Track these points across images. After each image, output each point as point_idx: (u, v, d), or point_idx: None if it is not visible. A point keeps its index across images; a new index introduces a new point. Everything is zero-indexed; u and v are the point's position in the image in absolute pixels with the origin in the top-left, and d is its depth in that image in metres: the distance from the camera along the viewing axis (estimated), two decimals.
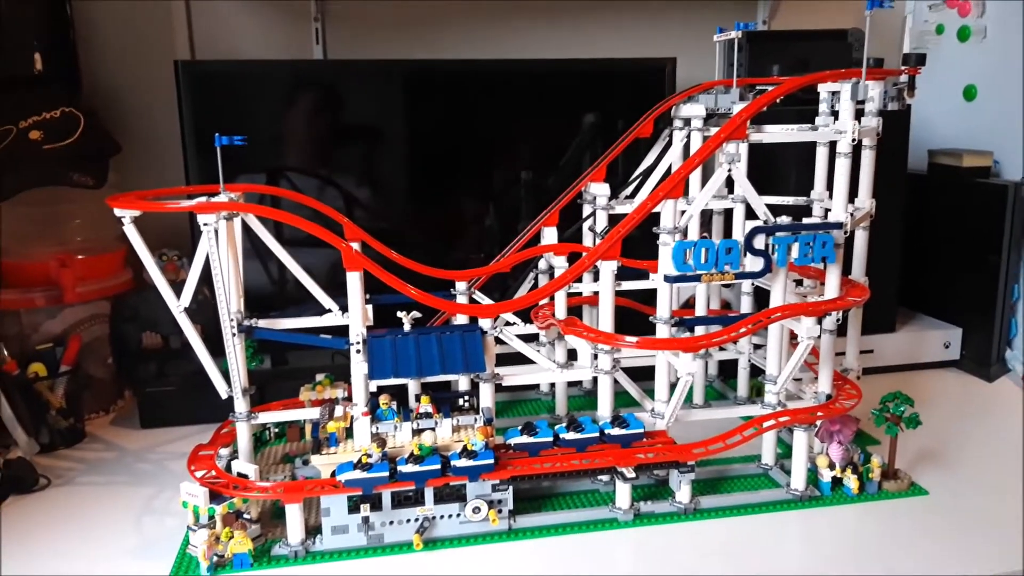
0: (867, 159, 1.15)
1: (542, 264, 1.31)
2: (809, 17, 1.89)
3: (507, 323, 1.23)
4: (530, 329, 1.24)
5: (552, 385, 1.44)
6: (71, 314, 1.41)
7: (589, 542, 1.03)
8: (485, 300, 1.22)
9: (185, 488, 0.99)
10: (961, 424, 1.37)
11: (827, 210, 1.14)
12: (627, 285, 1.26)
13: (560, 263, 1.22)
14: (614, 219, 1.23)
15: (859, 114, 1.09)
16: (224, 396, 1.06)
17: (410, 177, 1.52)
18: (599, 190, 1.24)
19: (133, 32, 1.59)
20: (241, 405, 1.07)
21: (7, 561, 1.00)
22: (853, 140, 1.05)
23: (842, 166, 1.07)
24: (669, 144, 1.27)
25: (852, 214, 1.08)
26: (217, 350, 1.06)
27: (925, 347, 1.63)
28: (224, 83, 1.40)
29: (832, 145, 1.12)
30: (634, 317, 1.28)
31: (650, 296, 1.08)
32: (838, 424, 1.13)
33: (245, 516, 1.01)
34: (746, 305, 1.32)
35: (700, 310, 1.36)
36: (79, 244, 1.44)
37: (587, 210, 1.29)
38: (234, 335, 1.03)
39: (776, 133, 1.08)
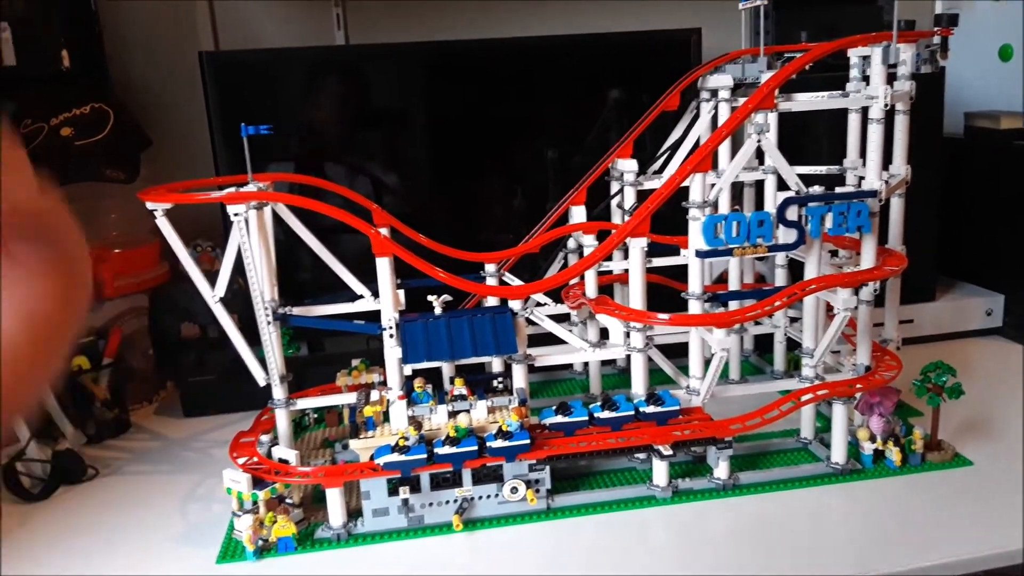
0: (901, 124, 1.13)
1: (571, 243, 1.30)
2: None
3: (538, 304, 1.23)
4: (561, 309, 1.24)
5: (585, 365, 1.43)
6: (111, 308, 1.44)
7: (627, 520, 1.03)
8: (515, 281, 1.22)
9: (228, 475, 1.01)
10: (1005, 393, 1.34)
11: (860, 178, 1.11)
12: (657, 262, 1.25)
13: (589, 242, 1.22)
14: (642, 195, 1.22)
15: (891, 78, 1.07)
16: (262, 383, 1.08)
17: (436, 160, 1.52)
18: (627, 166, 1.23)
19: (158, 25, 1.61)
20: (279, 392, 1.08)
21: (61, 551, 1.03)
22: (886, 105, 1.03)
23: (875, 132, 1.04)
24: (696, 117, 1.25)
25: (887, 181, 1.06)
26: (254, 339, 1.07)
27: (966, 315, 1.59)
28: (248, 72, 1.41)
29: (864, 112, 1.10)
30: (666, 293, 1.27)
31: (681, 272, 1.07)
32: (878, 396, 1.11)
33: (288, 501, 1.03)
34: (781, 278, 1.30)
35: (733, 284, 1.35)
36: (115, 239, 1.47)
37: (615, 187, 1.28)
38: (269, 323, 1.05)
39: (806, 101, 1.06)
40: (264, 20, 1.65)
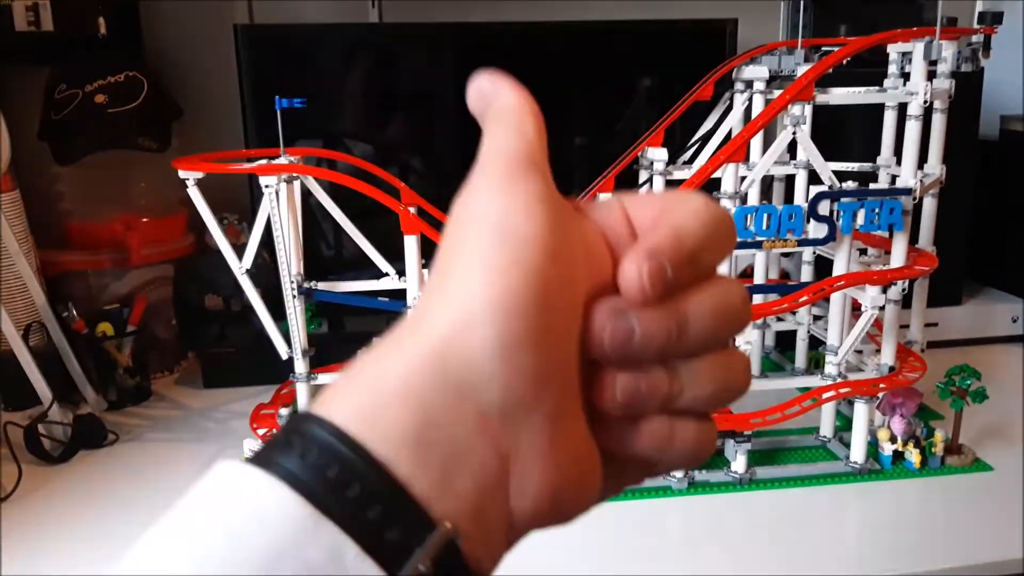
0: (938, 123, 1.11)
1: None
2: None
3: None
4: None
5: None
6: (136, 276, 1.45)
7: (642, 510, 1.03)
8: None
9: (248, 445, 1.02)
10: None
11: (894, 176, 1.10)
12: None
13: None
14: (672, 185, 1.21)
15: (930, 76, 1.05)
16: (284, 357, 1.09)
17: (463, 142, 1.51)
18: (657, 155, 1.22)
19: None
20: (301, 366, 1.09)
21: (79, 512, 1.04)
22: (925, 102, 1.02)
23: (912, 129, 1.03)
24: (729, 108, 1.24)
25: (921, 180, 1.04)
26: (276, 313, 1.08)
27: (992, 321, 1.57)
28: (282, 47, 1.41)
29: (901, 109, 1.08)
30: None
31: None
32: (901, 397, 1.10)
33: None
34: (806, 274, 1.29)
35: (759, 279, 1.34)
36: (143, 207, 1.48)
37: (643, 176, 1.27)
38: (295, 297, 1.05)
39: (843, 95, 1.05)
40: None
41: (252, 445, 1.02)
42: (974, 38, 1.10)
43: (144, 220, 1.45)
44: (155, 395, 1.41)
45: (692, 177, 1.00)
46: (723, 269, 1.02)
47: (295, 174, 1.05)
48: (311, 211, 1.13)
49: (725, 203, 1.00)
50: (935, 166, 1.12)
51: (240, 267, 1.06)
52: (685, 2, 1.73)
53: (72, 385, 1.30)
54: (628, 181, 1.27)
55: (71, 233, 1.46)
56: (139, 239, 1.43)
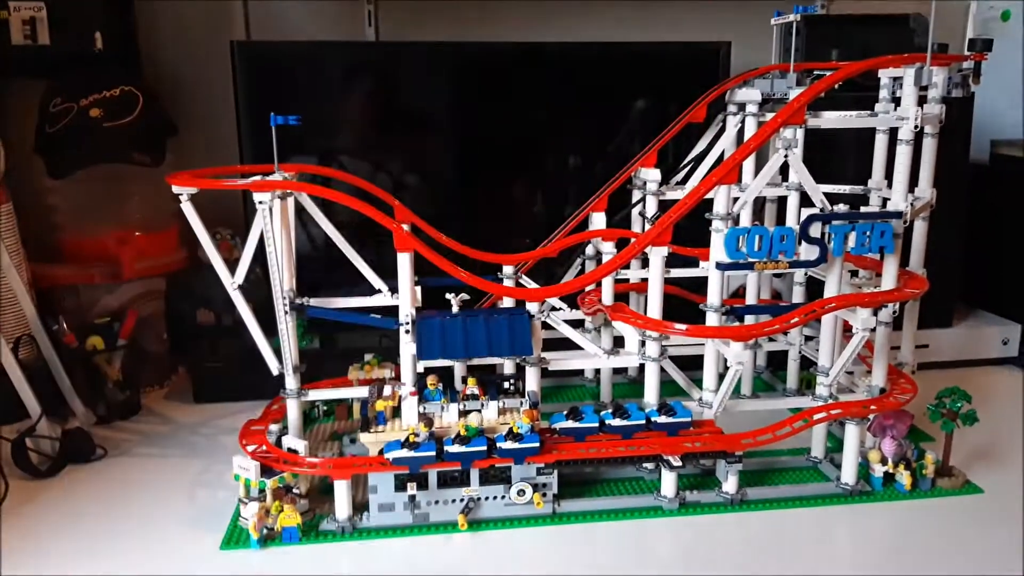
0: (929, 147, 1.12)
1: (589, 250, 1.30)
2: (869, 2, 1.84)
3: (553, 308, 1.23)
4: (575, 315, 1.24)
5: (597, 372, 1.43)
6: (128, 290, 1.45)
7: (633, 529, 1.02)
8: (531, 285, 1.22)
9: (237, 461, 1.01)
10: (1017, 423, 1.33)
11: (885, 200, 1.11)
12: (675, 272, 1.25)
13: (608, 249, 1.21)
14: (664, 205, 1.22)
15: (921, 101, 1.06)
16: (275, 372, 1.08)
17: (457, 159, 1.52)
18: (650, 175, 1.23)
19: (191, 13, 1.62)
20: (292, 382, 1.09)
21: (66, 527, 1.03)
22: (916, 127, 1.02)
23: (903, 154, 1.04)
24: (722, 130, 1.25)
25: (912, 204, 1.05)
26: (267, 329, 1.08)
27: (982, 343, 1.58)
28: (278, 64, 1.42)
29: (892, 133, 1.09)
30: (680, 307, 1.27)
31: (696, 285, 1.07)
32: (892, 419, 1.11)
33: (295, 491, 1.03)
34: (798, 296, 1.30)
35: (751, 299, 1.34)
36: (136, 222, 1.48)
37: (636, 195, 1.28)
38: (286, 312, 1.05)
39: (835, 119, 1.05)
40: (296, 12, 1.66)
41: (241, 462, 1.01)
42: (964, 64, 1.11)
43: (137, 234, 1.45)
44: (145, 409, 1.40)
45: (685, 198, 1.01)
46: (716, 285, 1.02)
47: (289, 190, 1.05)
48: (304, 229, 1.13)
49: (718, 224, 1.00)
50: (925, 190, 1.13)
51: (232, 282, 1.06)
52: (679, 25, 1.75)
53: (61, 399, 1.29)
54: (621, 201, 1.28)
55: (63, 246, 1.46)
56: (131, 253, 1.42)
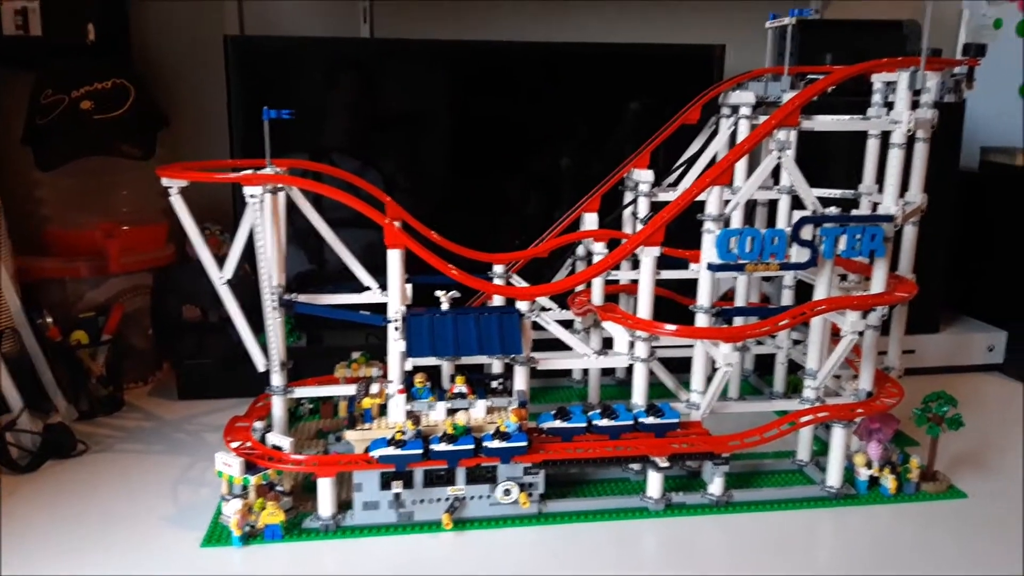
0: (920, 152, 1.12)
1: (580, 250, 1.30)
2: (863, 7, 1.85)
3: (543, 308, 1.22)
4: (564, 316, 1.23)
5: (585, 373, 1.43)
6: (114, 284, 1.43)
7: (619, 530, 1.02)
8: (521, 284, 1.21)
9: (220, 458, 1.00)
10: (1002, 429, 1.33)
11: (875, 204, 1.11)
12: (666, 274, 1.25)
13: (600, 249, 1.21)
14: (656, 206, 1.21)
15: (913, 105, 1.07)
16: (261, 369, 1.07)
17: (449, 158, 1.52)
18: (643, 176, 1.22)
19: (184, 6, 1.61)
20: (278, 379, 1.08)
21: (46, 522, 1.02)
22: (908, 131, 1.03)
23: (895, 157, 1.04)
24: (715, 132, 1.25)
25: (903, 208, 1.05)
26: (254, 326, 1.07)
27: (968, 349, 1.59)
28: (271, 59, 1.41)
29: (884, 137, 1.09)
30: (669, 308, 1.27)
31: (686, 287, 1.07)
32: (878, 422, 1.11)
33: (278, 488, 1.02)
34: (787, 299, 1.30)
35: (740, 302, 1.34)
36: (125, 215, 1.46)
37: (628, 196, 1.28)
38: (274, 308, 1.04)
39: (828, 122, 1.06)
40: (291, 7, 1.65)
41: (225, 458, 1.00)
42: (957, 69, 1.12)
43: (124, 228, 1.44)
44: (128, 405, 1.38)
45: (678, 199, 1.01)
46: (706, 287, 1.02)
47: (280, 185, 1.04)
48: (294, 226, 1.12)
49: (709, 226, 1.00)
50: (916, 194, 1.14)
51: (220, 277, 1.05)
52: (674, 27, 1.75)
53: (43, 393, 1.28)
54: (613, 201, 1.28)
55: (49, 239, 1.44)
56: (118, 247, 1.41)
